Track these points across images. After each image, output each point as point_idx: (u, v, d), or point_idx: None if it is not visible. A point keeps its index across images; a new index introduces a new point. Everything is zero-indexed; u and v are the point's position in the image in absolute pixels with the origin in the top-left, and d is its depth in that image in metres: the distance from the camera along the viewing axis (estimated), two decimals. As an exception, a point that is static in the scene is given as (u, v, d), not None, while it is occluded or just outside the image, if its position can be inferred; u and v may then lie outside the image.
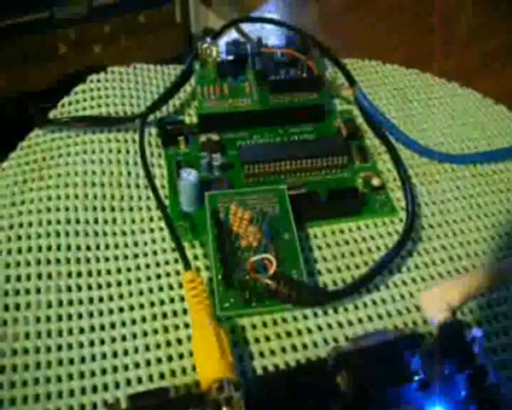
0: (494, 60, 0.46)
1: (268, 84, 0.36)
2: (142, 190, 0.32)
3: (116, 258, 0.29)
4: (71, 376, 0.25)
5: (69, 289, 0.28)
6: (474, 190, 0.34)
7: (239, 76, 0.37)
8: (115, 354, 0.25)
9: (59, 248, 0.29)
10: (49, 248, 0.29)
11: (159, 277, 0.28)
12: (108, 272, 0.28)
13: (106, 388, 0.24)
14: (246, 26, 0.45)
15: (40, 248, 0.29)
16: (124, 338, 0.26)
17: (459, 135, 0.37)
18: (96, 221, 0.30)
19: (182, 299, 0.28)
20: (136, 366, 0.25)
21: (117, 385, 0.25)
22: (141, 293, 0.28)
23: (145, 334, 0.26)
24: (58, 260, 0.28)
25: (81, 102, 0.36)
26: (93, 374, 0.25)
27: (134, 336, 0.26)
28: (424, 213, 0.32)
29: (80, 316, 0.27)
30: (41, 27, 0.93)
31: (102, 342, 0.26)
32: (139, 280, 0.28)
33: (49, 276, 0.28)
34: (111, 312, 0.27)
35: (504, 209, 0.33)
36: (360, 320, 0.27)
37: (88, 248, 0.29)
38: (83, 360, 0.25)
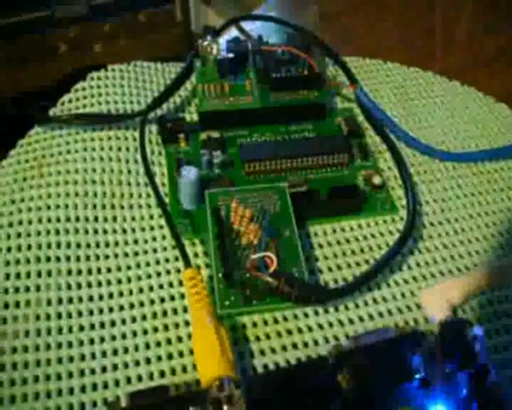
0: (495, 59, 0.46)
1: (268, 81, 0.36)
2: (143, 188, 0.32)
3: (116, 256, 0.29)
4: (71, 374, 0.25)
5: (69, 286, 0.27)
6: (474, 189, 0.34)
7: (239, 74, 0.37)
8: (115, 352, 0.25)
9: (59, 245, 0.29)
10: (49, 246, 0.29)
11: (159, 274, 0.28)
12: (108, 269, 0.28)
13: (106, 386, 0.24)
14: (246, 25, 0.45)
15: (40, 246, 0.29)
16: (124, 336, 0.26)
17: (460, 133, 0.37)
18: (95, 219, 0.30)
19: (182, 297, 0.27)
20: (137, 363, 0.25)
21: (117, 383, 0.24)
22: (141, 291, 0.28)
23: (145, 332, 0.26)
24: (58, 258, 0.28)
25: (81, 100, 0.36)
26: (93, 372, 0.25)
27: (134, 333, 0.26)
28: (425, 212, 0.32)
29: (80, 314, 0.27)
30: (41, 26, 0.93)
31: (102, 339, 0.26)
32: (139, 278, 0.28)
33: (49, 274, 0.28)
34: (111, 310, 0.27)
35: (505, 207, 0.33)
36: (361, 318, 0.27)
37: (88, 245, 0.29)
38: (83, 357, 0.25)
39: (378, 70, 0.42)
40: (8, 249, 0.29)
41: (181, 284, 0.28)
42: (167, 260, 0.29)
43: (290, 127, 0.35)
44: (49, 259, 0.28)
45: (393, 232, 0.31)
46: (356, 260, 0.30)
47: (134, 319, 0.27)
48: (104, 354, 0.25)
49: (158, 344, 0.26)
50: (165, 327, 0.26)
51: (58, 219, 0.30)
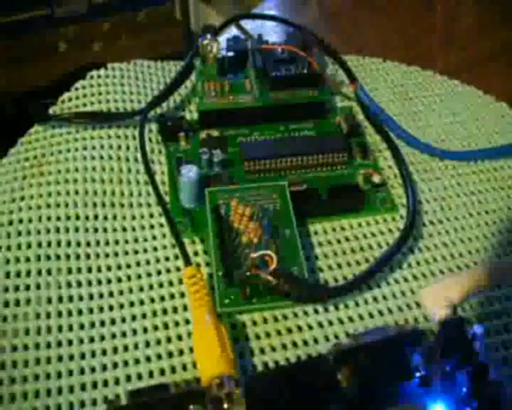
0: (495, 58, 0.46)
1: (268, 80, 0.35)
2: (143, 187, 0.32)
3: (116, 254, 0.29)
4: (71, 372, 0.25)
5: (69, 285, 0.27)
6: (474, 187, 0.34)
7: (239, 72, 0.36)
8: (115, 351, 0.25)
9: (59, 244, 0.29)
10: (49, 245, 0.29)
11: (159, 273, 0.28)
12: (109, 268, 0.28)
13: (106, 384, 0.24)
14: (246, 24, 0.45)
15: (40, 245, 0.29)
16: (124, 334, 0.26)
17: (460, 132, 0.37)
18: (96, 217, 0.30)
19: (182, 295, 0.27)
20: (137, 362, 0.25)
21: (117, 381, 0.25)
22: (141, 289, 0.28)
23: (145, 330, 0.26)
24: (58, 257, 0.28)
25: (81, 98, 0.36)
26: (93, 370, 0.25)
27: (134, 332, 0.26)
28: (425, 210, 0.32)
29: (80, 312, 0.27)
30: (41, 25, 0.93)
31: (102, 338, 0.26)
32: (139, 276, 0.28)
33: (49, 272, 0.28)
34: (111, 308, 0.27)
35: (505, 206, 0.33)
36: (361, 317, 0.27)
37: (88, 244, 0.29)
38: (83, 356, 0.25)
39: (378, 69, 0.42)
40: (8, 248, 0.29)
41: (181, 282, 0.28)
42: (167, 259, 0.29)
43: (290, 126, 0.35)
44: (49, 257, 0.28)
45: (393, 231, 0.31)
46: (356, 259, 0.30)
47: (134, 318, 0.27)
48: (104, 352, 0.25)
49: (158, 342, 0.26)
50: (165, 325, 0.26)
51: (58, 218, 0.30)
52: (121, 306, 0.27)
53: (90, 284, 0.28)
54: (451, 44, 0.48)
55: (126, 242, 0.29)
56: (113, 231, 0.30)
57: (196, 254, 0.29)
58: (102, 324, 0.26)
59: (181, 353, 0.26)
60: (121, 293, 0.27)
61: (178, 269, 0.28)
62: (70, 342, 0.26)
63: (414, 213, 0.31)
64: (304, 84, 0.36)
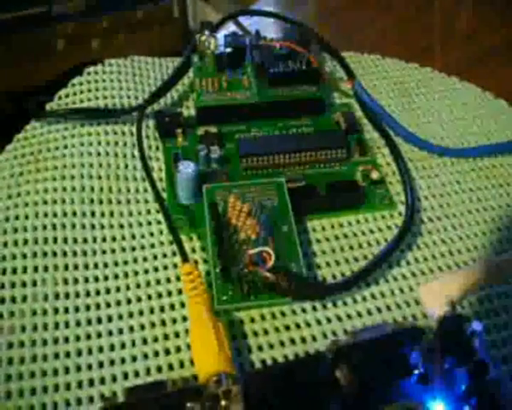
0: (494, 55, 0.46)
1: (266, 76, 0.35)
2: (140, 183, 0.32)
3: (113, 251, 0.29)
4: (67, 369, 0.24)
5: (66, 281, 0.27)
6: (473, 184, 0.34)
7: (237, 69, 0.36)
8: (112, 348, 0.25)
9: (55, 240, 0.29)
10: (46, 241, 0.29)
11: (156, 270, 0.28)
12: (105, 265, 0.28)
13: (103, 381, 0.24)
14: (244, 20, 0.45)
15: (36, 241, 0.28)
16: (121, 332, 0.26)
17: (459, 129, 0.37)
18: (92, 214, 0.30)
19: (179, 292, 0.27)
20: (134, 359, 0.25)
21: (114, 379, 0.24)
22: (138, 286, 0.27)
23: (142, 327, 0.26)
24: (54, 253, 0.28)
25: (78, 95, 0.36)
26: (90, 367, 0.25)
27: (131, 329, 0.26)
28: (423, 207, 0.32)
29: (77, 309, 0.26)
30: (38, 22, 0.93)
31: (99, 335, 0.26)
32: (136, 273, 0.28)
33: (46, 269, 0.28)
34: (108, 305, 0.27)
35: (504, 203, 0.33)
36: (359, 314, 0.27)
37: (85, 240, 0.29)
38: (79, 353, 0.25)
39: (377, 66, 0.42)
40: (5, 244, 0.28)
41: (178, 279, 0.28)
42: (165, 256, 0.29)
43: (288, 122, 0.35)
44: (45, 254, 0.28)
45: (392, 228, 0.31)
46: (354, 256, 0.30)
47: (131, 315, 0.26)
48: (101, 349, 0.25)
49: (155, 339, 0.26)
50: (163, 322, 0.26)
51: (55, 214, 0.30)
52: (118, 303, 0.27)
53: (86, 280, 0.27)
54: (450, 41, 0.48)
55: (123, 238, 0.29)
56: (110, 228, 0.30)
57: (194, 250, 0.29)
58: (99, 321, 0.26)
59: (178, 350, 0.25)
60: (118, 290, 0.27)
61: (175, 266, 0.28)
62: (66, 340, 0.25)
63: (412, 210, 0.31)
64: (302, 81, 0.36)
